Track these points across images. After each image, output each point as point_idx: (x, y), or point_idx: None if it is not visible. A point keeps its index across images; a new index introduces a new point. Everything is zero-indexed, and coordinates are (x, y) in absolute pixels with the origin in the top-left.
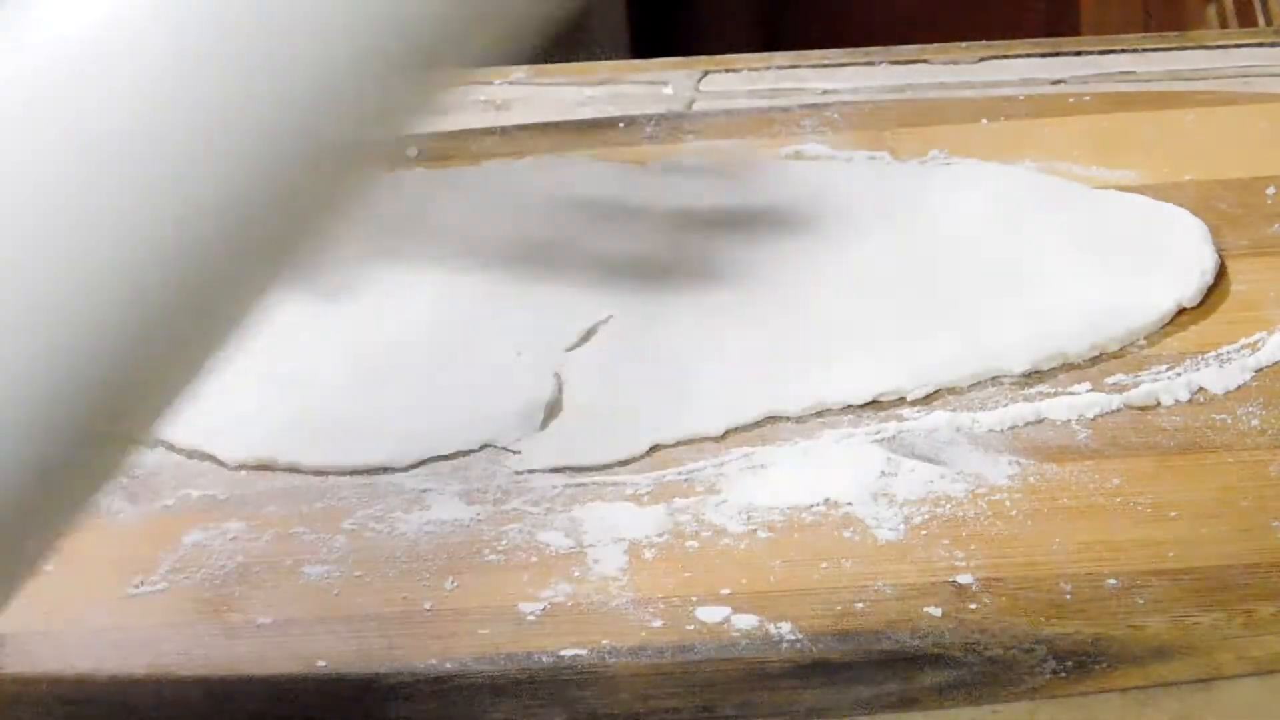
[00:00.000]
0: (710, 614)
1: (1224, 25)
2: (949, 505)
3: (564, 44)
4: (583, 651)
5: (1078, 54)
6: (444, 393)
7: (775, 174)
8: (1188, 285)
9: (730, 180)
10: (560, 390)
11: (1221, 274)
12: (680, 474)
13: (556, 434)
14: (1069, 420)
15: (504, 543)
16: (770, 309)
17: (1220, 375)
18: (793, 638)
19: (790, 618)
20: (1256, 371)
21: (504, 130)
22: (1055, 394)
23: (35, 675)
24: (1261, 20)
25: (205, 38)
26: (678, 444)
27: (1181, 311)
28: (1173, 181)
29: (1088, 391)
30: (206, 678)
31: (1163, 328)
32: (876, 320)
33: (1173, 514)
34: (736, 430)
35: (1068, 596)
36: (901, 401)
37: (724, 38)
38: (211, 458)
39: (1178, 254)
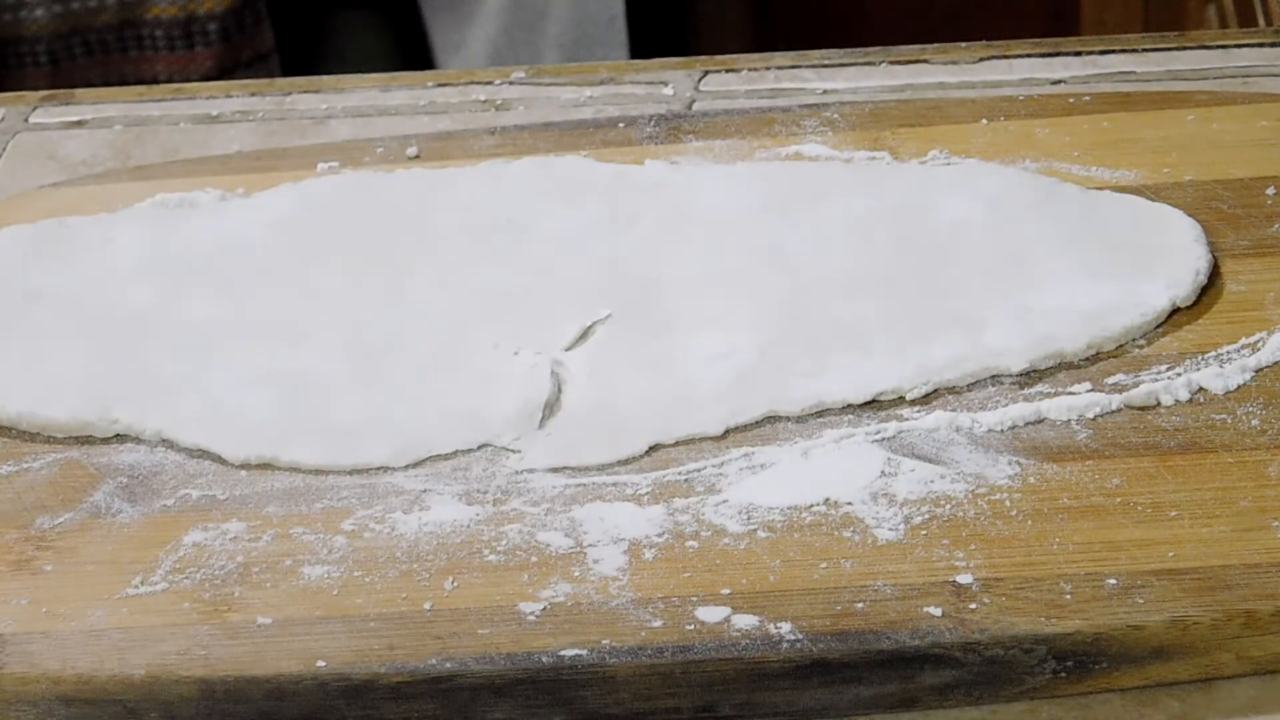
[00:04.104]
0: (710, 614)
1: (1224, 25)
2: (949, 505)
3: (564, 45)
4: (583, 651)
5: (1078, 54)
6: (443, 392)
7: (775, 174)
8: (1182, 285)
9: (730, 180)
10: (559, 390)
11: (1216, 274)
12: (680, 474)
13: (556, 434)
14: (1069, 420)
15: (504, 543)
16: (770, 308)
17: (1220, 375)
18: (793, 638)
19: (790, 618)
20: (1256, 371)
21: (504, 130)
22: (1055, 394)
23: (35, 675)
24: (1261, 20)
25: None
26: (678, 444)
27: (1176, 311)
28: (1172, 181)
29: (1088, 391)
30: (206, 678)
31: (1160, 327)
32: (876, 320)
33: (1173, 514)
34: (736, 430)
35: (1068, 596)
36: (901, 401)
37: (724, 38)
38: (213, 457)
39: (1173, 254)
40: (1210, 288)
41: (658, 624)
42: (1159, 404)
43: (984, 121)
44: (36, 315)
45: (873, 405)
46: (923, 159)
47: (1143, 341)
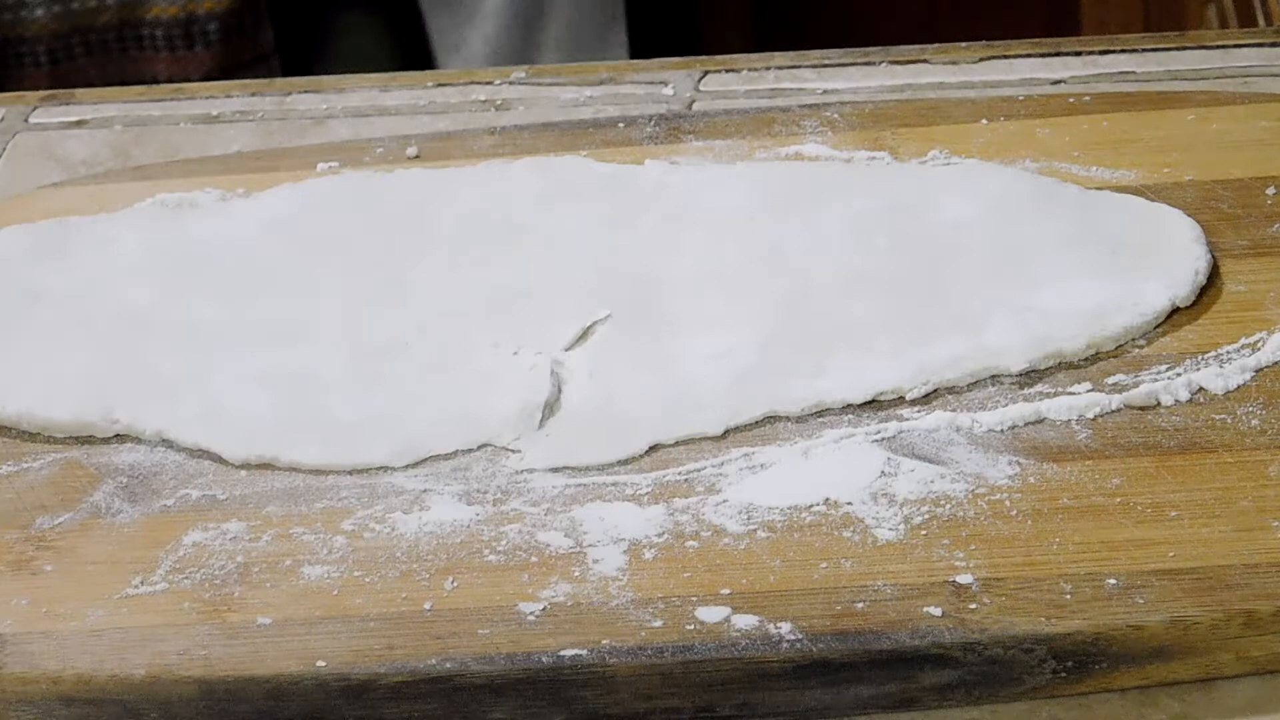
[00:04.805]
0: (710, 614)
1: (1224, 25)
2: (949, 505)
3: (564, 45)
4: (583, 651)
5: (1078, 54)
6: (443, 393)
7: (775, 174)
8: (1182, 285)
9: (730, 180)
10: (559, 390)
11: (1216, 274)
12: (680, 474)
13: (555, 434)
14: (1069, 420)
15: (504, 543)
16: (770, 309)
17: (1220, 375)
18: (793, 638)
19: (790, 618)
20: (1256, 371)
21: (504, 130)
22: (1055, 394)
23: (35, 675)
24: (1261, 20)
25: None
26: (678, 444)
27: (1176, 310)
28: (1172, 181)
29: (1088, 391)
30: (206, 678)
31: (1159, 327)
32: (876, 320)
33: (1173, 514)
34: (736, 430)
35: (1068, 596)
36: (901, 401)
37: (724, 38)
38: (213, 457)
39: (1172, 254)
40: (1210, 288)
41: (658, 624)
42: (1159, 404)
43: (984, 121)
44: (37, 315)
45: (873, 405)
46: (923, 159)
47: (1142, 341)
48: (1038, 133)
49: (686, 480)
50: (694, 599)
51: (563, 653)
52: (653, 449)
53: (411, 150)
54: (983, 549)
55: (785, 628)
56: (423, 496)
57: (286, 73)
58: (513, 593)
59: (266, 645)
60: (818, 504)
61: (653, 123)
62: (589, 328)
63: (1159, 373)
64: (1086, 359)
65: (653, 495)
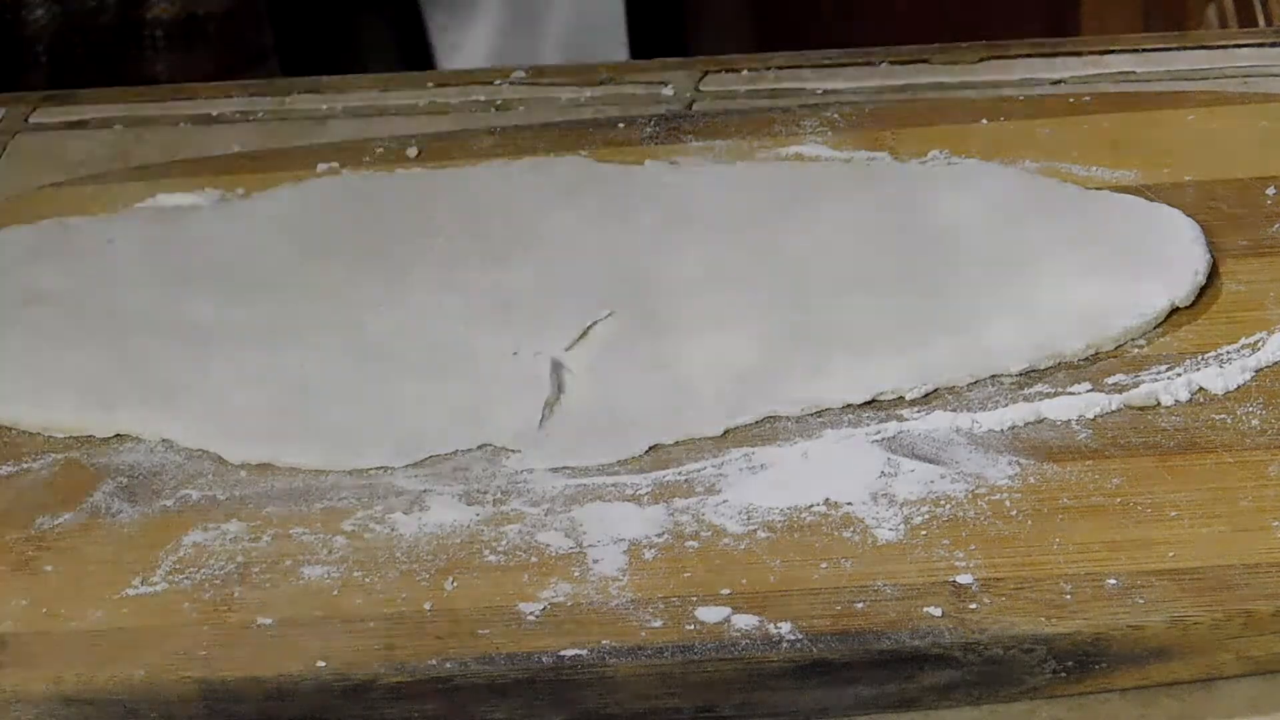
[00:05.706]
0: (710, 614)
1: (1224, 25)
2: (949, 505)
3: (564, 45)
4: (583, 651)
5: (1078, 54)
6: (443, 392)
7: (775, 174)
8: (1181, 285)
9: (730, 180)
10: (559, 389)
11: (1216, 274)
12: (680, 474)
13: (556, 434)
14: (1069, 420)
15: (504, 543)
16: (770, 309)
17: (1220, 375)
18: (793, 638)
19: (790, 618)
20: (1256, 371)
21: (504, 130)
22: (1055, 394)
23: (35, 675)
24: (1261, 20)
25: None
26: (677, 444)
27: (1175, 311)
28: (1172, 181)
29: (1087, 391)
30: (206, 678)
31: (1159, 327)
32: (876, 320)
33: (1172, 514)
34: (736, 430)
35: (1068, 596)
36: (901, 401)
37: (724, 38)
38: (213, 457)
39: (1171, 254)
40: (1210, 288)
41: (658, 624)
42: (1159, 404)
43: (984, 121)
44: (37, 316)
45: (873, 405)
46: (923, 159)
47: (1142, 342)
48: (1038, 133)
49: (686, 480)
50: (694, 599)
51: (563, 653)
52: (653, 449)
53: (411, 150)
54: (983, 549)
55: (785, 628)
56: (423, 496)
57: (286, 73)
58: (513, 593)
59: (266, 645)
60: (818, 504)
61: (653, 123)
62: (589, 328)
63: (1159, 373)
64: (1086, 359)
65: (653, 495)
